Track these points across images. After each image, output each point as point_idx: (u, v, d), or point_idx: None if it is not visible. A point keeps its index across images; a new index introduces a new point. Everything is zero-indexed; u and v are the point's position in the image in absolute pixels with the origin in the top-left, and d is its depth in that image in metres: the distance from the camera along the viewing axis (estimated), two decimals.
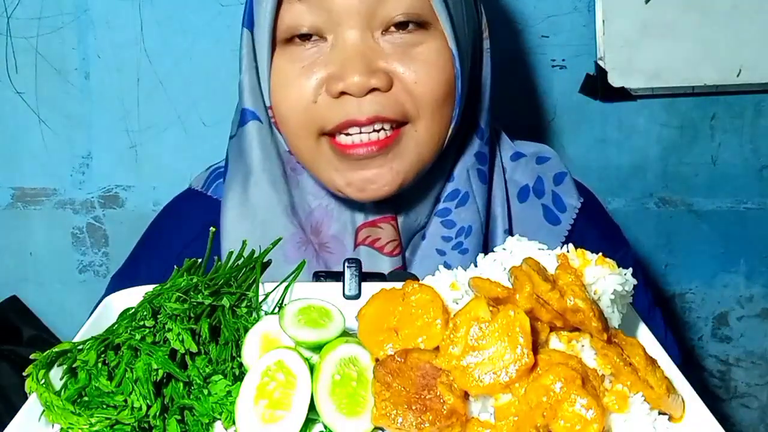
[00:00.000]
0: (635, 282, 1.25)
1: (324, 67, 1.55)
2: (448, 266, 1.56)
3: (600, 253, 1.24)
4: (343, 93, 1.53)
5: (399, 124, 1.58)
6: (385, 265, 1.66)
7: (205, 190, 1.88)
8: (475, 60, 1.73)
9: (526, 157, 1.88)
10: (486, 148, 1.79)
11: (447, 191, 1.75)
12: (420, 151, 1.61)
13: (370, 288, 1.36)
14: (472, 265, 1.28)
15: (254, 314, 1.31)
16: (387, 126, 1.56)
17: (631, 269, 1.25)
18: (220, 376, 1.19)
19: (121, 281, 1.79)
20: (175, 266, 1.37)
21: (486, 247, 1.74)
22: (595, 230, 1.84)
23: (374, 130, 1.55)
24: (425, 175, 1.67)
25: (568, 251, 1.24)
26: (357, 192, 1.60)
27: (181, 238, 1.83)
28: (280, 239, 1.50)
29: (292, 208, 1.71)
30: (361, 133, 1.56)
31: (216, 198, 1.82)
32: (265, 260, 1.41)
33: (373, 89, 1.52)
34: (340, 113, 1.55)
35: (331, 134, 1.58)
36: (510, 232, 1.76)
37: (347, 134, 1.57)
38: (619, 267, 1.23)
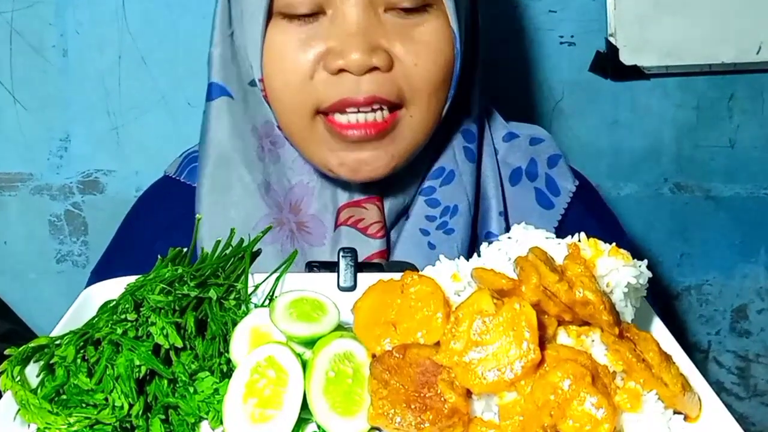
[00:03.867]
0: (650, 275, 1.25)
1: (323, 41, 1.55)
2: (432, 246, 1.59)
3: (614, 244, 1.24)
4: (341, 70, 1.53)
5: (394, 106, 1.59)
6: (368, 246, 1.67)
7: (179, 176, 1.89)
8: (468, 37, 1.74)
9: (519, 138, 1.89)
10: (474, 126, 1.81)
11: (432, 168, 1.77)
12: (415, 135, 1.63)
13: (366, 279, 1.36)
14: (475, 255, 1.27)
15: (243, 307, 1.31)
16: (384, 107, 1.57)
17: (646, 261, 1.25)
18: (207, 373, 1.19)
19: (99, 278, 1.80)
20: (159, 256, 1.37)
21: (476, 230, 1.75)
22: (591, 217, 1.85)
23: (371, 110, 1.56)
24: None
25: (579, 240, 1.24)
26: (350, 173, 1.61)
27: (155, 228, 1.85)
28: (270, 228, 1.50)
29: (267, 186, 1.71)
30: (358, 112, 1.56)
31: (190, 184, 1.83)
32: (254, 249, 1.41)
33: (373, 68, 1.53)
34: (337, 91, 1.55)
35: (325, 113, 1.59)
36: (505, 215, 1.77)
37: (343, 114, 1.57)
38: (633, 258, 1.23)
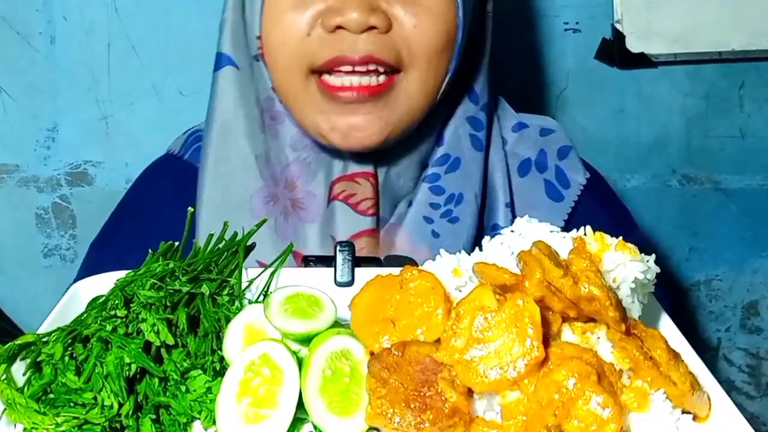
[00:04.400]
0: (658, 270, 1.25)
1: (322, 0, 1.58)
2: (436, 235, 1.60)
3: (621, 238, 1.24)
4: (338, 28, 1.56)
5: (391, 70, 1.61)
6: (358, 223, 1.69)
7: (183, 154, 1.91)
8: (475, 20, 1.75)
9: (529, 128, 1.89)
10: (482, 114, 1.81)
11: (436, 155, 1.78)
12: (411, 104, 1.64)
13: (364, 274, 1.36)
14: (477, 249, 1.27)
15: (237, 303, 1.31)
16: (380, 69, 1.59)
17: (654, 255, 1.25)
18: (199, 371, 1.19)
19: (98, 251, 1.86)
20: (150, 250, 1.36)
21: (482, 221, 1.76)
22: (602, 211, 1.85)
23: (367, 72, 1.58)
24: (412, 133, 1.70)
25: (585, 233, 1.24)
26: (341, 138, 1.62)
27: (157, 203, 1.87)
28: (265, 220, 1.51)
29: (266, 160, 1.73)
30: (352, 72, 1.58)
31: (192, 163, 1.85)
32: (248, 243, 1.41)
33: (371, 28, 1.55)
34: (332, 49, 1.57)
35: (320, 73, 1.60)
36: (512, 206, 1.77)
37: (337, 75, 1.59)
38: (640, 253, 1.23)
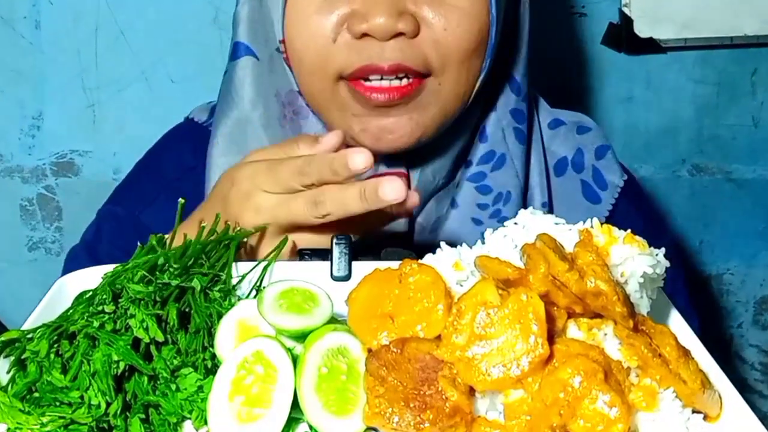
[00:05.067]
0: (668, 264, 1.24)
1: (347, 2, 1.56)
2: None
3: (629, 230, 1.23)
4: (365, 35, 1.55)
5: (422, 75, 1.59)
6: (390, 226, 1.66)
7: (208, 123, 1.91)
8: (510, 8, 1.74)
9: (566, 125, 1.90)
10: (524, 105, 1.80)
11: (480, 153, 1.78)
12: (443, 106, 1.64)
13: (361, 268, 1.35)
14: (479, 241, 1.27)
15: (229, 298, 1.31)
16: (410, 76, 1.58)
17: (663, 249, 1.25)
18: (190, 369, 1.18)
19: (113, 207, 1.89)
20: (139, 243, 1.36)
21: None
22: (638, 215, 1.85)
23: (396, 78, 1.57)
24: (447, 130, 1.69)
25: (592, 226, 1.23)
26: (372, 140, 1.61)
27: (175, 166, 1.89)
28: (265, 227, 1.50)
29: None
30: (382, 79, 1.58)
31: None
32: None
33: (399, 34, 1.54)
34: (360, 57, 1.57)
35: (348, 78, 1.60)
36: (549, 206, 1.77)
37: (366, 81, 1.58)
38: (650, 246, 1.22)
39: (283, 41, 1.66)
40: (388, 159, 1.71)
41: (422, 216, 1.77)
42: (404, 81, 1.58)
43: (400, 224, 1.69)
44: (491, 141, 1.77)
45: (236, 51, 1.74)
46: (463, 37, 1.58)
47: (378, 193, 1.31)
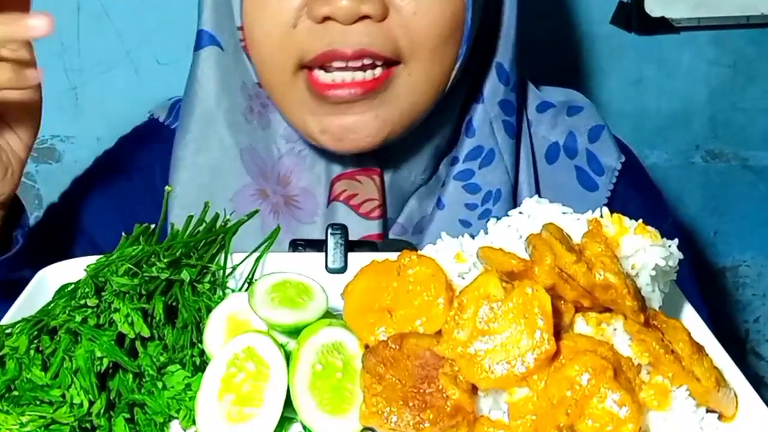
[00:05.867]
0: (681, 256, 1.24)
1: None
2: None
3: (640, 220, 1.23)
4: (327, 18, 1.51)
5: (390, 63, 1.56)
6: (361, 228, 1.67)
7: (169, 122, 1.89)
8: None
9: (555, 107, 1.86)
10: (512, 95, 1.77)
11: (467, 148, 1.75)
12: (413, 99, 1.60)
13: (358, 259, 1.36)
14: (482, 232, 1.27)
15: (219, 291, 1.31)
16: (378, 63, 1.55)
17: (676, 240, 1.24)
18: (178, 366, 1.18)
19: (65, 199, 1.90)
20: (123, 233, 1.36)
21: None
22: (636, 197, 1.83)
23: (362, 66, 1.54)
24: (423, 121, 1.66)
25: (602, 216, 1.23)
26: (333, 141, 1.59)
27: (137, 165, 1.87)
28: (256, 211, 1.49)
29: (252, 153, 1.71)
30: (345, 69, 1.54)
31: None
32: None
33: (364, 17, 1.50)
34: (322, 41, 1.53)
35: (309, 68, 1.57)
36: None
37: (328, 71, 1.55)
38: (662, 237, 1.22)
39: (241, 28, 1.63)
40: (357, 157, 1.68)
41: (403, 217, 1.76)
42: (369, 73, 1.55)
43: (372, 225, 1.68)
44: (479, 135, 1.74)
45: (200, 40, 1.72)
46: (434, 21, 1.54)
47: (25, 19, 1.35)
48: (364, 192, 1.67)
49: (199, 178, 1.70)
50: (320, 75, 1.56)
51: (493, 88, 1.75)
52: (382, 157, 1.69)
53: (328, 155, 1.70)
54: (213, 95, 1.71)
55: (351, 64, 1.53)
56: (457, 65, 1.63)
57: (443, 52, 1.59)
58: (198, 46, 1.72)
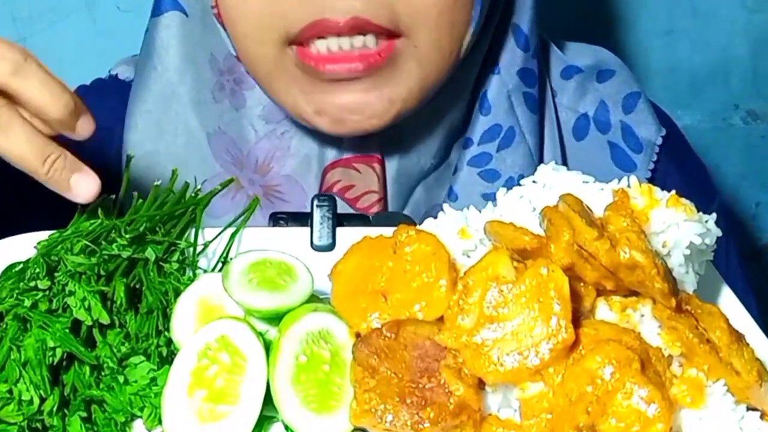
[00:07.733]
0: (719, 233, 1.23)
1: None
2: None
3: (673, 192, 1.21)
4: None
5: (389, 34, 1.52)
6: None
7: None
8: None
9: (583, 72, 1.83)
10: (533, 62, 1.74)
11: (482, 128, 1.72)
12: (424, 73, 1.57)
13: (348, 235, 1.35)
14: (490, 204, 1.26)
15: (189, 272, 1.31)
16: (375, 35, 1.51)
17: (714, 215, 1.23)
18: (142, 358, 1.18)
19: None
20: (79, 206, 1.35)
21: None
22: (678, 177, 1.81)
23: (359, 41, 1.50)
24: (431, 99, 1.63)
25: (629, 185, 1.22)
26: (332, 124, 1.56)
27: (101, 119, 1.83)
28: (232, 179, 1.48)
29: (221, 137, 1.69)
30: (339, 38, 1.50)
31: None
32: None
33: None
34: (309, 11, 1.48)
35: (299, 43, 1.53)
36: None
37: (321, 38, 1.51)
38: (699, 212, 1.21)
39: None
40: (355, 140, 1.65)
41: (409, 208, 1.73)
42: (370, 40, 1.50)
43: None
44: (495, 112, 1.71)
45: (159, 3, 1.69)
46: None
47: (69, 181, 1.23)
48: (362, 183, 1.66)
49: (160, 167, 1.66)
50: (312, 46, 1.52)
51: (510, 55, 1.72)
52: (385, 140, 1.66)
53: (321, 137, 1.67)
54: (174, 69, 1.68)
55: (344, 38, 1.50)
56: (471, 29, 1.59)
57: (452, 19, 1.54)
58: (157, 11, 1.69)
